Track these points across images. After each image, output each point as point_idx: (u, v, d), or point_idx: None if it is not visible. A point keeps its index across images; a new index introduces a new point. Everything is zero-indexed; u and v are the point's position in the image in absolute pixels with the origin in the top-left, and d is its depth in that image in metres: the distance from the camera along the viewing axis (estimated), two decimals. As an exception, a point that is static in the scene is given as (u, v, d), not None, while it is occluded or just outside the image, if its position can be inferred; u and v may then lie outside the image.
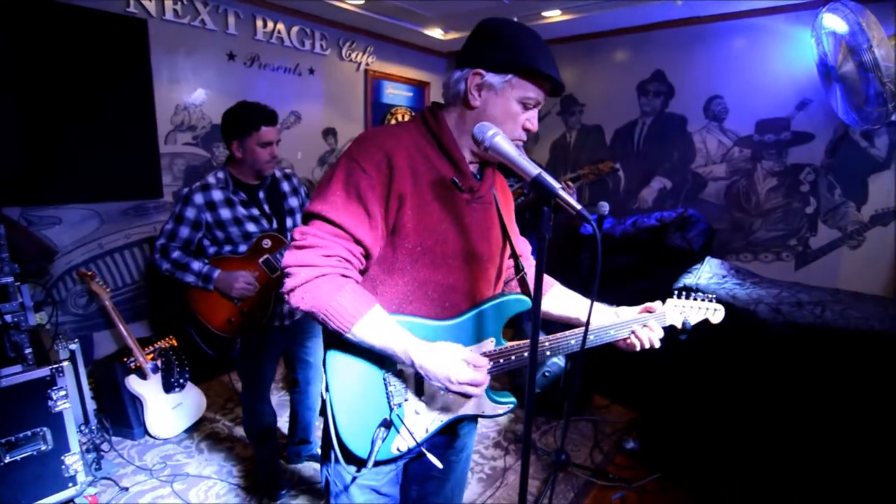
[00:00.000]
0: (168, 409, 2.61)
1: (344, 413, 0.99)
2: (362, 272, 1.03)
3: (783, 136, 3.14)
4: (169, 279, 1.98)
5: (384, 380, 1.02)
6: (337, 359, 1.00)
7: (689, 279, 2.52)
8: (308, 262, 0.93)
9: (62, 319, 2.74)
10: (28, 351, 1.86)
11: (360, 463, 1.01)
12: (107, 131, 2.79)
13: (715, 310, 1.35)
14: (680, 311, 1.30)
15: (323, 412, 1.05)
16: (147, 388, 2.56)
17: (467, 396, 0.99)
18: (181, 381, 2.69)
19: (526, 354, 1.07)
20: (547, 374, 2.95)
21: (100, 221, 2.86)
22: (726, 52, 3.30)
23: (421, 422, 1.05)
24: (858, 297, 2.24)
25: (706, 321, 1.35)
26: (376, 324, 0.94)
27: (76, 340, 2.40)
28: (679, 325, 1.29)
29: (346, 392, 1.00)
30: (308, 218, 0.98)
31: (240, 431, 2.69)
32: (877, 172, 2.90)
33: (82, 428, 2.37)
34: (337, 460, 1.00)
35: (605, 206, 2.20)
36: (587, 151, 4.09)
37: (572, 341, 1.13)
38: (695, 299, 1.33)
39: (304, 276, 0.92)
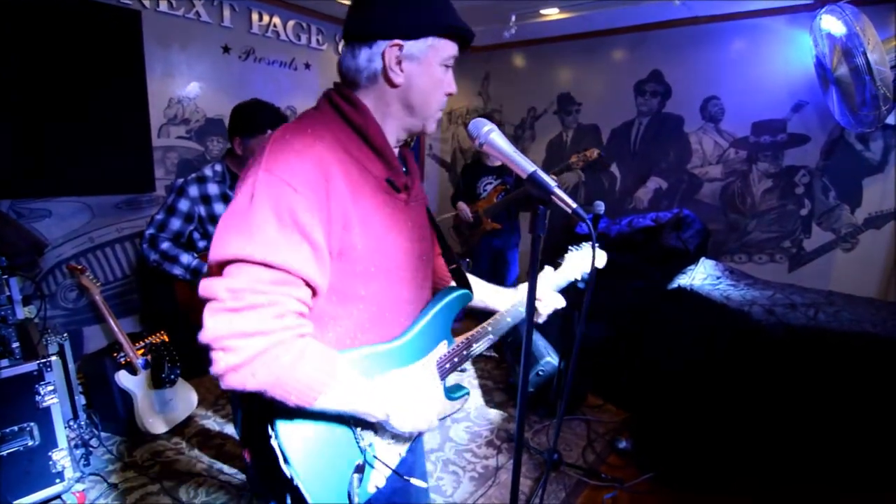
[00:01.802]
0: (158, 404, 2.58)
1: (315, 483, 0.85)
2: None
3: (779, 137, 3.15)
4: (156, 271, 1.95)
5: (351, 428, 0.91)
6: (290, 429, 0.84)
7: (683, 280, 2.53)
8: (255, 330, 0.72)
9: (52, 314, 2.71)
10: (15, 345, 1.84)
11: None
12: (99, 124, 2.76)
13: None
14: (572, 267, 1.39)
15: (275, 488, 0.89)
16: (137, 384, 2.53)
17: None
18: (172, 376, 2.66)
19: (474, 344, 1.10)
20: (540, 373, 2.94)
21: (91, 215, 2.83)
22: (724, 53, 3.30)
23: (393, 450, 0.98)
24: (852, 299, 2.25)
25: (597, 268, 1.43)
26: (346, 389, 0.81)
27: (65, 335, 2.37)
28: (578, 278, 1.39)
29: (311, 459, 0.85)
30: (226, 265, 0.75)
31: (230, 429, 2.67)
32: (871, 175, 2.91)
33: (71, 423, 2.34)
34: None
35: (600, 206, 2.20)
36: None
37: (508, 319, 1.19)
38: (578, 250, 1.44)
39: (252, 349, 0.72)
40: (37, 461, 1.93)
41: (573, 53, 4.02)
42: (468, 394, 1.16)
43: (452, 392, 1.12)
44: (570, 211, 0.81)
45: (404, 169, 0.98)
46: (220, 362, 0.71)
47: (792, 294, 2.24)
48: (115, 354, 2.53)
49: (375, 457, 0.93)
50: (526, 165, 0.84)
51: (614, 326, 3.16)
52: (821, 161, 3.03)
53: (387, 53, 0.85)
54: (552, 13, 3.46)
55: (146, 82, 2.93)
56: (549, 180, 0.83)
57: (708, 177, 3.48)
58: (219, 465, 2.39)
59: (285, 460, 0.83)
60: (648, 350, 2.69)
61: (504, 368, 3.61)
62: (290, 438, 0.84)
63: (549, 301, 1.25)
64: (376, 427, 0.94)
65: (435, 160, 5.18)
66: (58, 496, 2.04)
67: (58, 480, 2.00)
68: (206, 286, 0.74)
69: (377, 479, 0.94)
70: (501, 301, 1.23)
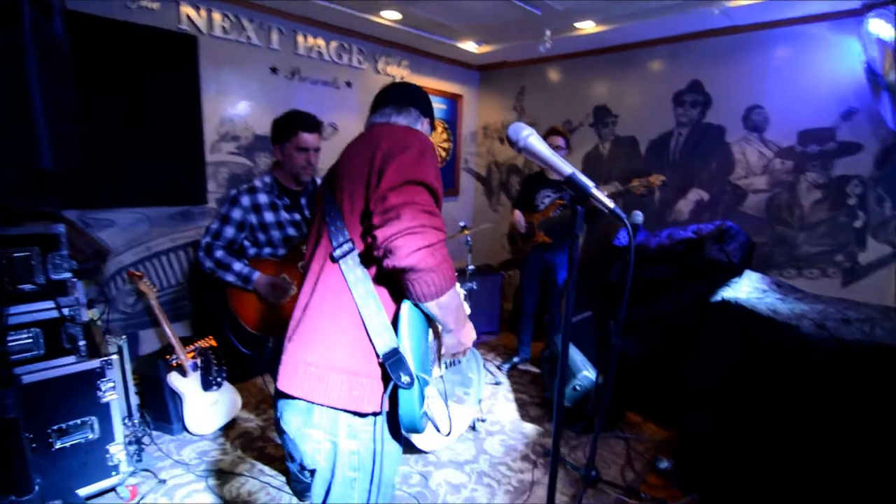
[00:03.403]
0: (205, 406, 2.70)
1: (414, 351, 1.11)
2: None
3: (828, 146, 3.03)
4: (210, 277, 2.07)
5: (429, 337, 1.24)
6: (411, 309, 1.12)
7: (727, 293, 2.45)
8: (437, 226, 1.02)
9: (112, 317, 2.89)
10: (82, 343, 1.98)
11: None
12: (158, 140, 2.96)
13: None
14: None
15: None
16: (187, 386, 2.66)
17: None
18: (219, 379, 2.78)
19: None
20: (577, 387, 2.90)
21: (149, 225, 3.02)
22: (767, 61, 3.22)
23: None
24: (912, 314, 2.12)
25: None
26: (457, 291, 1.12)
27: (124, 337, 2.53)
28: None
29: (418, 337, 1.14)
30: (416, 184, 1.05)
31: (271, 432, 2.75)
32: (932, 185, 2.76)
33: (126, 421, 2.48)
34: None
35: (638, 215, 2.18)
36: (621, 162, 4.05)
37: None
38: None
39: (432, 237, 1.00)
40: (95, 454, 2.06)
41: (609, 66, 4.01)
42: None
43: None
44: (607, 210, 0.83)
45: None
46: (414, 241, 0.98)
47: (845, 309, 2.13)
48: (168, 357, 2.67)
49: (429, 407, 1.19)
50: (564, 167, 0.88)
51: (655, 341, 3.08)
52: (874, 170, 2.89)
53: (423, 123, 1.38)
54: (587, 27, 3.48)
55: (201, 102, 3.14)
56: (588, 181, 0.85)
57: (752, 188, 3.37)
58: (260, 465, 2.47)
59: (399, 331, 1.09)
60: (690, 366, 2.61)
61: (540, 383, 3.57)
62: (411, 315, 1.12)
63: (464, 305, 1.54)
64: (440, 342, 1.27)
65: (470, 174, 5.24)
66: (113, 488, 2.17)
67: (113, 473, 2.13)
68: (397, 195, 1.01)
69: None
70: None
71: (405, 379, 1.04)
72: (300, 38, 3.59)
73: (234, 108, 3.33)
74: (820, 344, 1.91)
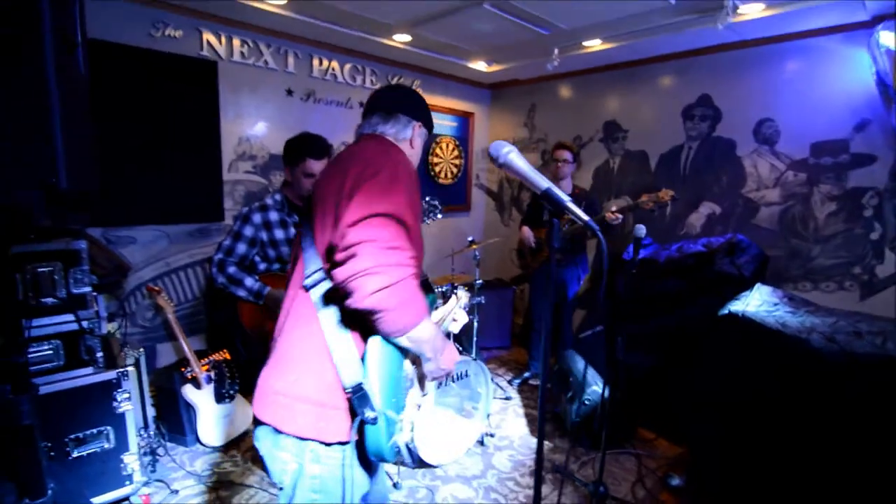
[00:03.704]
0: (218, 418, 2.76)
1: (384, 392, 1.10)
2: None
3: (841, 158, 2.98)
4: (222, 292, 2.14)
5: (405, 371, 1.20)
6: (380, 344, 1.10)
7: (736, 306, 2.42)
8: (399, 263, 0.96)
9: (131, 331, 3.00)
10: (99, 355, 2.06)
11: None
12: (178, 161, 3.10)
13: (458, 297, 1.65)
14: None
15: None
16: (200, 398, 2.73)
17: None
18: (231, 392, 2.84)
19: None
20: (587, 402, 2.87)
21: (168, 241, 3.14)
22: (776, 74, 3.21)
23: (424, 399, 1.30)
24: (929, 328, 2.06)
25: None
26: (431, 324, 1.09)
27: (141, 350, 2.62)
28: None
29: (391, 384, 1.12)
30: (378, 217, 0.99)
31: (282, 444, 2.79)
32: (952, 196, 2.68)
33: (141, 432, 2.55)
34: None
35: (641, 229, 2.18)
36: (631, 177, 4.05)
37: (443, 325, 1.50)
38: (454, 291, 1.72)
39: (397, 275, 0.95)
40: (111, 463, 2.13)
41: (618, 81, 4.05)
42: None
43: None
44: (581, 223, 0.86)
45: None
46: (370, 283, 0.94)
47: (858, 322, 2.08)
48: (183, 369, 2.75)
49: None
50: (541, 182, 0.91)
51: (665, 355, 3.04)
52: (890, 182, 2.82)
53: (415, 129, 1.32)
54: (595, 45, 3.53)
55: (220, 124, 3.28)
56: (563, 195, 0.88)
57: (765, 201, 3.33)
58: (270, 478, 2.50)
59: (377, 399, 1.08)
60: (700, 381, 2.57)
61: (550, 398, 3.54)
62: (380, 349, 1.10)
63: (462, 315, 1.56)
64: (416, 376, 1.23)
65: (482, 189, 5.29)
66: (126, 498, 2.22)
67: (127, 483, 2.19)
68: (357, 232, 0.97)
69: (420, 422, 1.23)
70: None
71: (369, 414, 1.04)
72: (315, 62, 3.73)
73: (251, 128, 3.47)
74: (829, 357, 1.87)
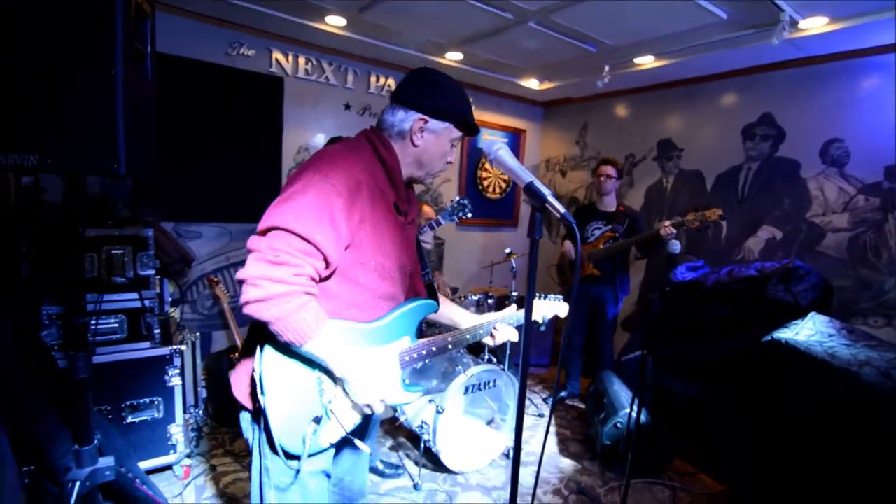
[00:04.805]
0: (258, 404, 2.94)
1: (277, 415, 1.06)
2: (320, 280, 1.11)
3: (921, 182, 2.72)
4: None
5: (318, 379, 1.11)
6: (273, 357, 1.07)
7: (783, 333, 2.25)
8: (279, 279, 0.96)
9: (192, 317, 3.30)
10: (157, 332, 2.30)
11: (292, 458, 1.10)
12: (244, 165, 3.42)
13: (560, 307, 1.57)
14: (536, 310, 1.51)
15: (256, 417, 1.14)
16: (244, 383, 2.92)
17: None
18: (272, 381, 3.02)
19: (434, 348, 1.28)
20: (619, 425, 2.77)
21: (229, 238, 3.44)
22: (846, 93, 2.99)
23: (349, 414, 1.16)
24: None
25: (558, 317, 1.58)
26: (325, 343, 1.03)
27: (197, 334, 2.88)
28: (539, 321, 1.52)
29: (280, 392, 1.06)
30: (275, 230, 0.99)
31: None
32: None
33: (191, 409, 2.79)
34: (279, 454, 1.07)
35: (676, 245, 2.12)
36: (686, 197, 3.89)
37: (467, 336, 1.36)
38: (546, 300, 1.58)
39: (273, 291, 0.95)
40: (159, 431, 2.35)
41: (673, 99, 3.94)
42: (422, 391, 1.29)
43: (410, 385, 1.25)
44: (559, 215, 0.89)
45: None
46: (248, 293, 0.97)
47: (923, 359, 1.88)
48: (232, 356, 2.98)
49: (332, 412, 1.11)
50: (525, 176, 0.95)
51: (708, 385, 2.87)
52: (979, 210, 2.53)
53: (415, 123, 1.18)
54: (647, 62, 3.48)
55: (282, 133, 3.57)
56: (545, 190, 0.92)
57: (832, 227, 3.08)
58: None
59: (262, 390, 1.04)
60: (742, 413, 2.40)
61: (585, 419, 3.43)
62: (269, 365, 1.05)
63: (504, 332, 1.42)
64: (336, 391, 1.13)
65: (530, 205, 5.28)
66: (170, 466, 2.44)
67: (171, 452, 2.40)
68: (254, 241, 1.01)
69: (330, 434, 1.12)
70: (465, 320, 1.47)
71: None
72: (372, 79, 3.96)
73: (311, 139, 3.74)
74: (884, 393, 1.71)
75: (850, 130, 2.99)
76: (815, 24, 2.61)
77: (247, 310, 0.97)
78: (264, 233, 1.01)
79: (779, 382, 2.08)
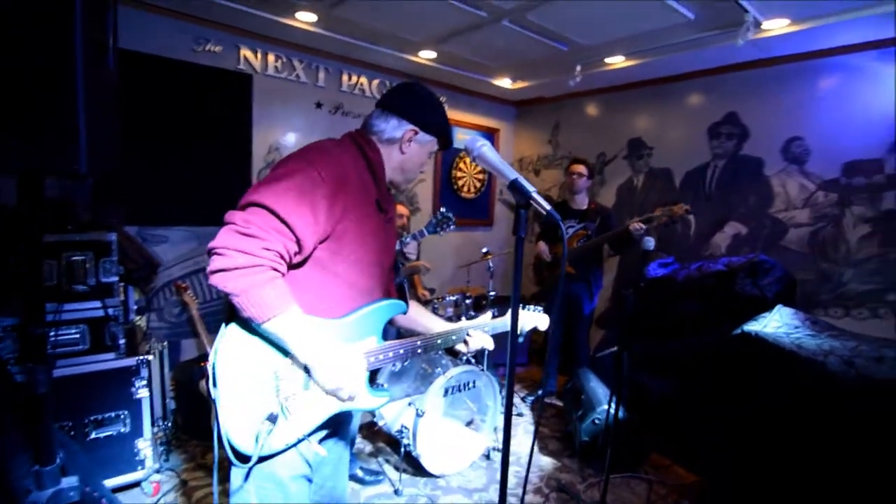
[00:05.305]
0: (231, 413, 2.84)
1: (228, 409, 1.00)
2: (294, 266, 1.10)
3: (875, 179, 2.85)
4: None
5: (275, 374, 1.05)
6: (234, 339, 1.03)
7: (752, 326, 2.33)
8: (246, 250, 0.95)
9: (158, 325, 3.16)
10: (122, 342, 2.19)
11: (243, 459, 1.03)
12: (212, 166, 3.29)
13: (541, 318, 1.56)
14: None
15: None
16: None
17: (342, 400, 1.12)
18: (245, 389, 2.93)
19: (402, 350, 1.26)
20: (596, 421, 2.80)
21: (198, 242, 3.31)
22: (806, 92, 3.12)
23: (307, 415, 1.10)
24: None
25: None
26: (291, 324, 1.00)
27: (165, 343, 2.76)
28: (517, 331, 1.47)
29: (234, 382, 1.01)
30: (252, 206, 1.00)
31: (290, 443, 2.84)
32: None
33: (159, 422, 2.67)
34: (227, 452, 1.02)
35: (650, 242, 2.15)
36: (655, 195, 3.99)
37: (438, 340, 1.36)
38: (526, 309, 1.58)
39: (239, 261, 0.95)
40: (125, 447, 2.24)
41: (642, 99, 4.03)
42: (389, 398, 1.26)
43: (375, 389, 1.22)
44: (545, 212, 0.88)
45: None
46: (214, 263, 0.96)
47: (882, 347, 1.96)
48: (202, 364, 2.86)
49: (288, 411, 1.06)
50: (509, 173, 0.94)
51: (681, 381, 2.94)
52: (929, 204, 2.68)
53: (406, 133, 1.25)
54: (617, 62, 3.54)
55: (252, 132, 3.46)
56: (529, 186, 0.91)
57: (794, 222, 3.21)
58: (274, 474, 2.55)
59: (214, 383, 1.00)
60: (713, 408, 2.47)
61: (562, 416, 3.47)
62: (225, 359, 1.01)
63: (479, 339, 1.42)
64: (295, 387, 1.08)
65: (505, 204, 5.31)
66: (138, 483, 2.32)
67: (139, 468, 2.29)
68: (231, 214, 1.00)
69: (285, 436, 1.06)
70: (436, 326, 1.45)
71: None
72: (345, 77, 3.89)
73: (281, 138, 3.64)
74: (847, 382, 1.78)
75: (810, 129, 3.12)
76: (777, 26, 2.72)
77: (212, 279, 0.97)
78: (243, 208, 1.01)
79: (749, 377, 2.14)
